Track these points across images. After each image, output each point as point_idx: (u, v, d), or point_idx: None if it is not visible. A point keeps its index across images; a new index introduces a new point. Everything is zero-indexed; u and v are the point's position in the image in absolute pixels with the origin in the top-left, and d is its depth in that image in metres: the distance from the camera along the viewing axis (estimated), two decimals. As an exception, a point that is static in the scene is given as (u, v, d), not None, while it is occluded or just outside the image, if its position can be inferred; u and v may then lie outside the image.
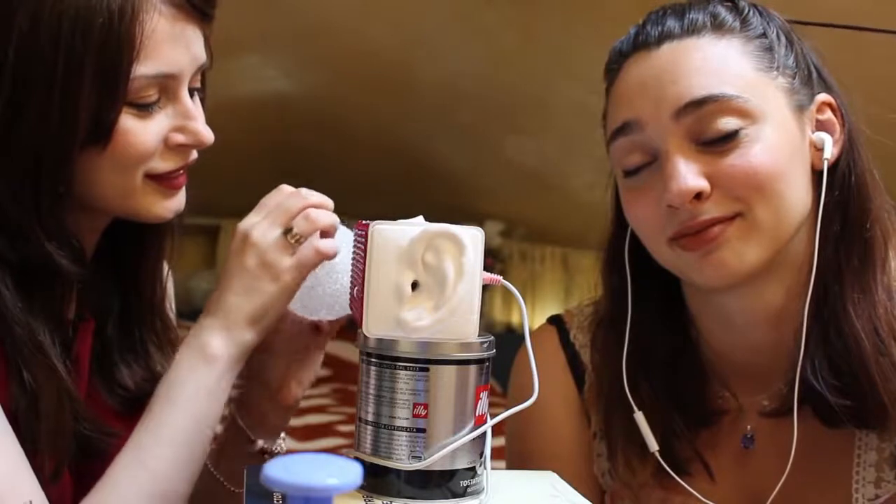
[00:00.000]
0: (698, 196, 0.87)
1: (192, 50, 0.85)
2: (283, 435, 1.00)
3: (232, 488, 0.95)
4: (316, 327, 0.95)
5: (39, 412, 0.82)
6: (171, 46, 0.83)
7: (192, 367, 0.84)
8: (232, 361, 0.85)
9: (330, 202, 0.87)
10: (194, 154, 0.89)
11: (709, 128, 0.87)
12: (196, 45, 0.86)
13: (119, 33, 0.79)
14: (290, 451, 0.84)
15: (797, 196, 0.90)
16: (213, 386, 0.84)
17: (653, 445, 0.96)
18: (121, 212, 0.88)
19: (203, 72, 0.90)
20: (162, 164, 0.86)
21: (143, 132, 0.83)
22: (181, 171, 0.88)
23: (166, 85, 0.84)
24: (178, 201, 0.90)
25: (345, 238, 0.89)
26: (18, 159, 0.81)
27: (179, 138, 0.85)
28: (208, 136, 0.87)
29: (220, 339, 0.84)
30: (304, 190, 0.87)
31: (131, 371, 0.97)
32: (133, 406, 0.95)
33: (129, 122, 0.82)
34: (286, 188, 0.87)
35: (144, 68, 0.81)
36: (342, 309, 0.91)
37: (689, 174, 0.87)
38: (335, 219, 0.87)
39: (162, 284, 1.01)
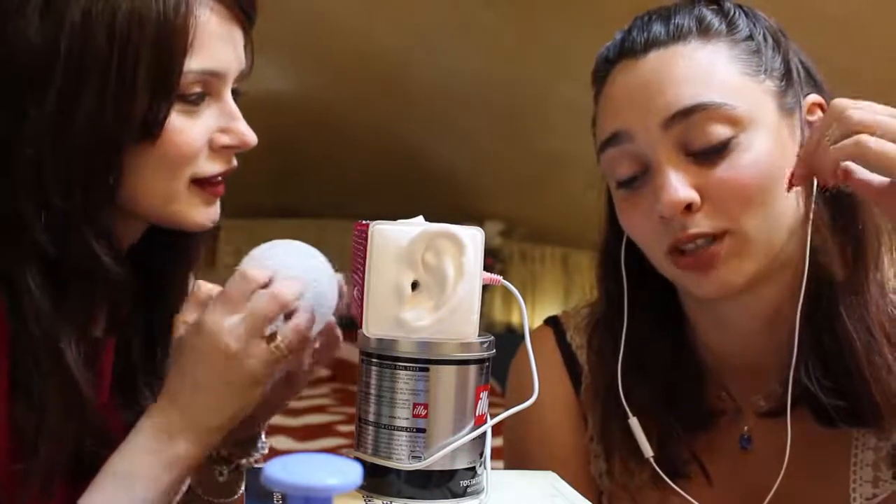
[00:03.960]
0: (689, 207, 0.87)
1: (238, 51, 0.86)
2: (262, 441, 0.94)
3: (199, 493, 0.92)
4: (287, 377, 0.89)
5: (43, 425, 0.80)
6: (219, 44, 0.83)
7: (154, 468, 0.78)
8: (198, 461, 0.81)
9: (298, 288, 0.79)
10: (234, 160, 0.88)
11: (698, 137, 0.87)
12: (240, 48, 0.87)
13: (174, 26, 0.79)
14: (289, 452, 0.83)
15: (788, 202, 0.90)
16: (174, 485, 0.80)
17: (647, 452, 0.96)
18: (162, 217, 0.86)
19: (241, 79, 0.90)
20: (208, 167, 0.85)
21: (190, 130, 0.82)
22: (222, 178, 0.87)
23: (211, 83, 0.83)
24: (216, 210, 0.89)
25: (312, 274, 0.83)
26: (71, 153, 0.80)
27: (224, 139, 0.85)
28: (252, 137, 0.86)
29: (189, 444, 0.79)
30: (277, 287, 0.78)
31: (154, 394, 0.93)
32: None
33: (177, 120, 0.82)
34: (251, 277, 0.78)
35: (194, 63, 0.81)
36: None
37: (679, 186, 0.87)
38: (312, 316, 0.80)
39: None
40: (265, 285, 0.79)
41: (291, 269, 0.80)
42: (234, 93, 0.88)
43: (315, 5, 3.37)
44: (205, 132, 0.84)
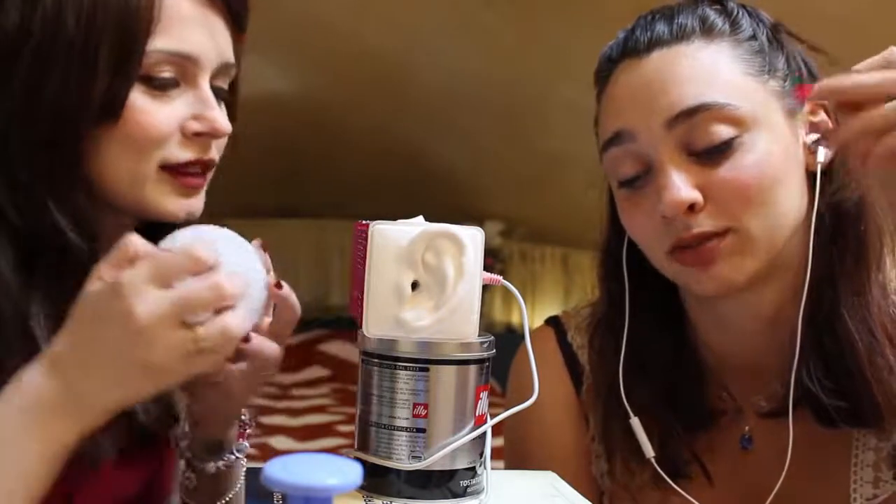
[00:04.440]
0: (692, 207, 0.87)
1: (217, 40, 0.85)
2: (237, 446, 0.89)
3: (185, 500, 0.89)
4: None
5: None
6: (191, 28, 0.83)
7: (20, 449, 0.68)
8: (72, 445, 0.70)
9: (241, 286, 0.69)
10: (214, 152, 0.87)
11: (701, 137, 0.87)
12: (221, 38, 0.86)
13: (137, 5, 0.80)
14: (289, 452, 0.81)
15: (791, 203, 0.90)
16: (40, 473, 0.69)
17: (648, 452, 0.96)
18: (133, 205, 0.85)
19: (234, 82, 0.90)
20: (178, 153, 0.84)
21: (156, 112, 0.82)
22: (198, 169, 0.86)
23: (185, 68, 0.83)
24: (195, 203, 0.86)
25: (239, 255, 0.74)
26: (37, 131, 0.80)
27: (195, 126, 0.84)
28: (224, 124, 0.85)
29: (66, 424, 0.69)
30: (220, 277, 0.68)
31: (144, 406, 0.90)
32: (141, 443, 0.89)
33: (143, 101, 0.81)
34: (200, 259, 0.68)
35: (160, 43, 0.81)
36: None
37: (682, 186, 0.87)
38: (245, 322, 0.70)
39: None
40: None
41: (231, 263, 0.70)
42: (220, 90, 0.87)
43: (314, 7, 3.36)
44: (175, 117, 0.83)
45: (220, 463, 0.87)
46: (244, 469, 0.91)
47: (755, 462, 0.98)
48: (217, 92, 0.87)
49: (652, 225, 0.90)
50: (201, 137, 0.85)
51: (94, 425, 0.70)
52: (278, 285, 0.78)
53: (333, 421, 3.63)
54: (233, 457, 0.88)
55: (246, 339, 0.75)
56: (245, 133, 0.90)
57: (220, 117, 0.85)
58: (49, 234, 0.81)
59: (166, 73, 0.82)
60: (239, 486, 0.90)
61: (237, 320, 0.68)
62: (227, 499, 0.89)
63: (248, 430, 0.91)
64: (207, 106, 0.84)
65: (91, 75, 0.79)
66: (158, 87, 0.82)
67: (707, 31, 0.90)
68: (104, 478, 0.84)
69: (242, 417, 0.90)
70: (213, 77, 0.86)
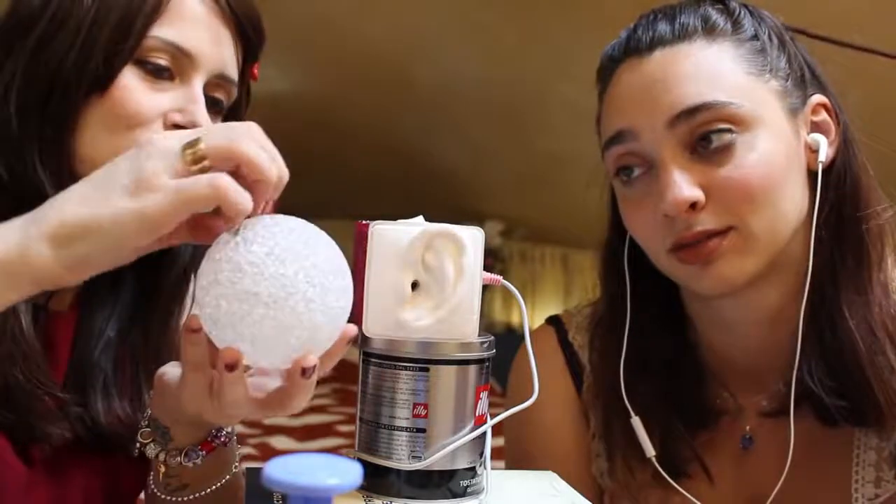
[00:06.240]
0: (693, 206, 0.87)
1: (221, 49, 0.87)
2: (193, 451, 0.81)
3: (153, 489, 0.85)
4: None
5: None
6: (195, 27, 0.86)
7: None
8: (32, 270, 0.62)
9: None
10: None
11: (703, 136, 0.87)
12: (226, 50, 0.88)
13: None
14: (289, 452, 0.79)
15: (792, 202, 0.90)
16: None
17: (649, 451, 0.96)
18: None
19: (241, 102, 0.92)
20: None
21: (142, 94, 0.84)
22: None
23: (181, 62, 0.85)
24: None
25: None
26: (35, 95, 0.83)
27: (176, 117, 0.86)
28: (204, 122, 0.86)
29: (31, 233, 0.63)
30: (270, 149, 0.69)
31: (109, 406, 0.89)
32: (96, 443, 0.88)
33: (133, 81, 0.84)
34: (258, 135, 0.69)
35: (162, 32, 0.84)
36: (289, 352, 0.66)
37: (684, 184, 0.87)
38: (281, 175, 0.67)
39: (180, 317, 0.94)
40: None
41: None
42: (217, 101, 0.89)
43: (315, 6, 3.37)
44: (159, 104, 0.85)
45: (161, 454, 0.81)
46: (221, 481, 0.85)
47: (756, 461, 0.98)
48: (214, 102, 0.89)
49: (653, 223, 0.90)
50: (180, 129, 0.85)
51: (37, 253, 0.62)
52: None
53: (333, 421, 3.64)
54: (177, 459, 0.81)
55: (309, 372, 0.66)
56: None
57: (200, 115, 0.86)
58: (32, 195, 0.80)
59: (161, 60, 0.85)
60: (200, 493, 0.83)
61: (264, 158, 0.68)
62: (184, 498, 0.84)
63: (215, 444, 0.82)
64: (192, 101, 0.86)
65: (91, 47, 0.83)
66: (151, 72, 0.84)
67: (709, 30, 0.90)
68: (56, 462, 0.86)
69: (221, 431, 0.83)
70: (211, 86, 0.88)
